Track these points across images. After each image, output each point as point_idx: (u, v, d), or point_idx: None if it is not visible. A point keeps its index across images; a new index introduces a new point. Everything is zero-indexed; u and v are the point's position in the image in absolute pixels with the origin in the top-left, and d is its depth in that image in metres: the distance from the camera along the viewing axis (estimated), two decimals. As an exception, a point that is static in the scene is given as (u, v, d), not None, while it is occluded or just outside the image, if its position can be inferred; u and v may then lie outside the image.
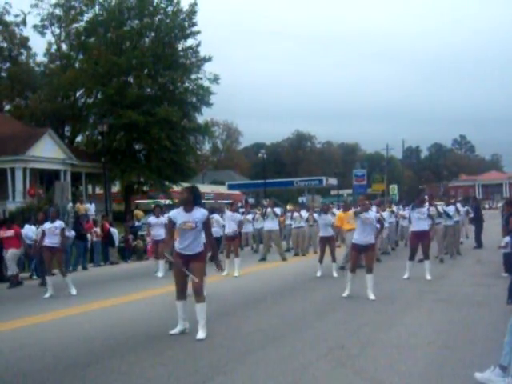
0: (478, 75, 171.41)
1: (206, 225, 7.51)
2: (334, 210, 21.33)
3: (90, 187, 42.35)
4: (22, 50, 49.95)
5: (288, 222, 23.36)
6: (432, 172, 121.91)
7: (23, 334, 8.36)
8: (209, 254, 8.20)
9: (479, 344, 6.85)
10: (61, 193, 24.26)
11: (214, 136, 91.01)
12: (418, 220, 13.18)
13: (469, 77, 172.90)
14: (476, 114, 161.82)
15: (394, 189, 69.57)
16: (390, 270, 14.80)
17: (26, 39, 48.69)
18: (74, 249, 18.87)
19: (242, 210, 25.69)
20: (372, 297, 10.20)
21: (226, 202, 43.52)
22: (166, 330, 7.72)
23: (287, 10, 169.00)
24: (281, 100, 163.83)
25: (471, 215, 22.19)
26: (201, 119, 45.27)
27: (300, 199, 42.63)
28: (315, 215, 19.07)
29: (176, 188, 43.19)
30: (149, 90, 41.77)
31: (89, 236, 19.90)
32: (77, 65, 44.35)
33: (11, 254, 14.82)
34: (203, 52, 42.71)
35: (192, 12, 41.74)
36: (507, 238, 12.16)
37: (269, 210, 19.46)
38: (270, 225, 19.26)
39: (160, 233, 15.74)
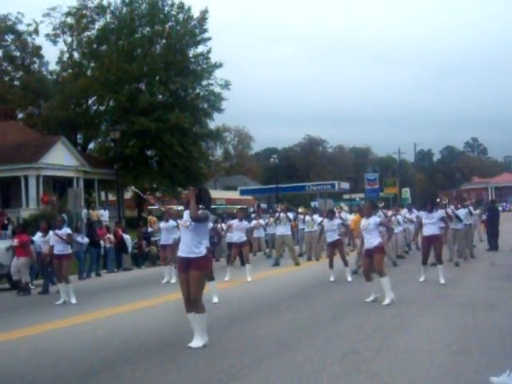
0: (489, 77, 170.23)
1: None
2: (343, 214, 21.15)
3: (102, 194, 42.50)
4: (35, 59, 50.28)
5: (301, 226, 23.28)
6: (444, 175, 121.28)
7: (37, 341, 8.40)
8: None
9: (495, 348, 6.79)
10: (74, 200, 24.40)
11: (226, 141, 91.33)
12: (428, 225, 13.10)
13: (480, 79, 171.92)
14: (488, 116, 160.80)
15: (406, 192, 69.26)
16: (405, 273, 14.76)
17: (39, 48, 49.01)
18: (87, 255, 18.98)
19: (253, 215, 25.74)
20: (385, 302, 10.10)
21: (238, 207, 43.53)
22: (180, 336, 7.72)
23: (298, 14, 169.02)
24: (292, 105, 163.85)
25: (483, 217, 21.98)
26: (212, 125, 45.40)
27: (312, 204, 42.50)
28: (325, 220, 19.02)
29: (188, 194, 43.18)
30: (160, 96, 41.92)
31: (102, 242, 19.99)
32: (89, 73, 44.59)
33: (20, 262, 14.93)
34: (214, 58, 42.93)
35: (203, 19, 41.94)
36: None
37: (282, 214, 19.43)
38: (283, 230, 19.21)
39: (168, 238, 15.71)
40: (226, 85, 42.80)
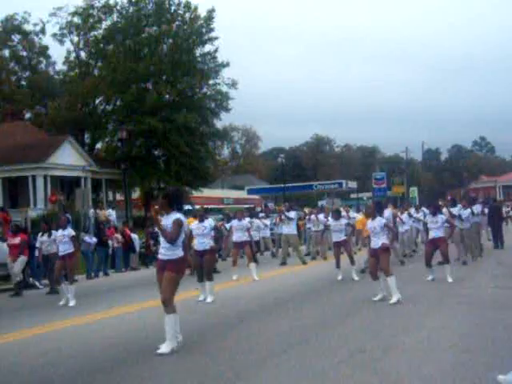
0: (496, 75, 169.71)
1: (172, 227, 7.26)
2: (351, 213, 21.13)
3: (110, 194, 42.60)
4: (42, 59, 50.54)
5: (308, 225, 23.29)
6: (452, 174, 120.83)
7: (45, 341, 8.44)
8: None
9: (502, 347, 6.78)
10: (82, 199, 24.49)
11: (233, 141, 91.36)
12: (433, 229, 13.12)
13: (487, 77, 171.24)
14: (496, 115, 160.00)
15: (413, 191, 69.03)
16: (413, 272, 14.74)
17: (46, 48, 49.24)
18: (95, 255, 19.07)
19: (261, 214, 25.71)
20: (392, 301, 10.09)
21: (246, 206, 43.56)
22: (189, 335, 7.75)
23: (303, 13, 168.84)
24: (299, 104, 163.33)
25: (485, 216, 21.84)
26: (219, 124, 45.42)
27: (320, 203, 42.41)
28: (330, 219, 19.01)
29: (195, 193, 43.30)
30: (167, 96, 41.94)
31: (110, 242, 20.05)
32: (96, 72, 44.71)
33: (18, 261, 14.97)
34: (221, 57, 43.01)
35: (209, 18, 41.93)
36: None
37: (282, 216, 19.49)
38: (287, 229, 19.24)
39: None
40: (233, 84, 42.88)
